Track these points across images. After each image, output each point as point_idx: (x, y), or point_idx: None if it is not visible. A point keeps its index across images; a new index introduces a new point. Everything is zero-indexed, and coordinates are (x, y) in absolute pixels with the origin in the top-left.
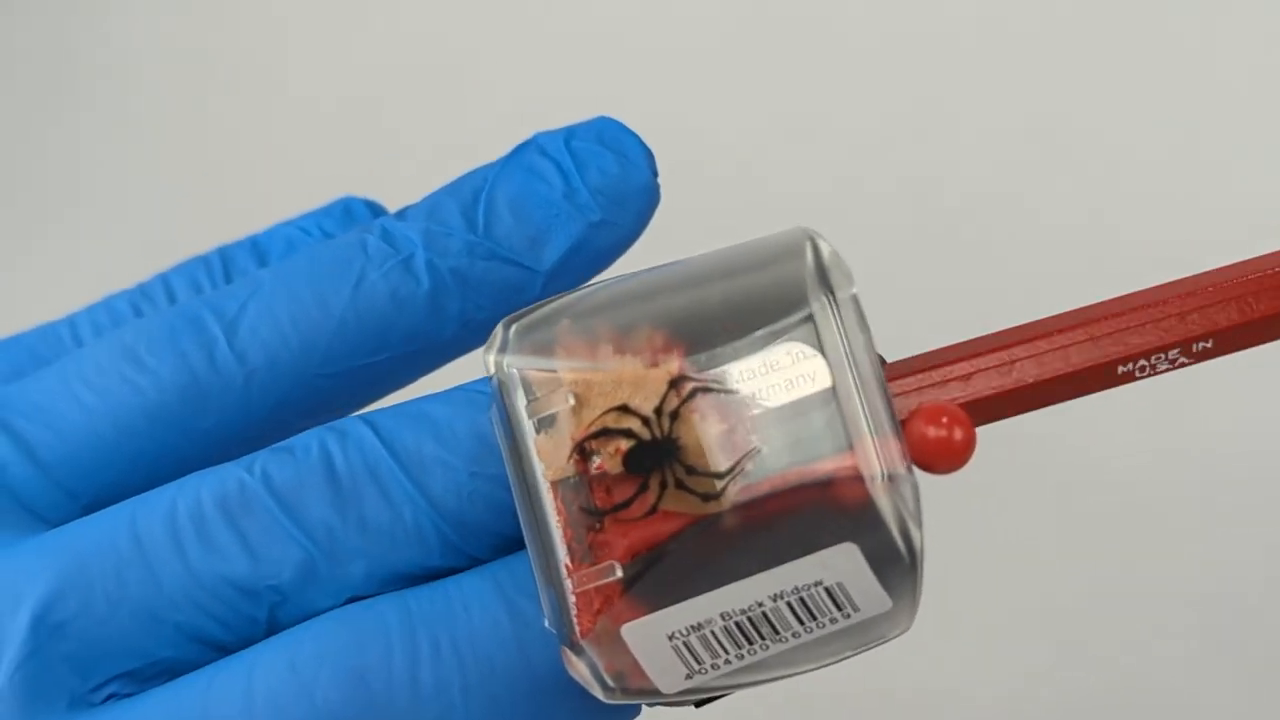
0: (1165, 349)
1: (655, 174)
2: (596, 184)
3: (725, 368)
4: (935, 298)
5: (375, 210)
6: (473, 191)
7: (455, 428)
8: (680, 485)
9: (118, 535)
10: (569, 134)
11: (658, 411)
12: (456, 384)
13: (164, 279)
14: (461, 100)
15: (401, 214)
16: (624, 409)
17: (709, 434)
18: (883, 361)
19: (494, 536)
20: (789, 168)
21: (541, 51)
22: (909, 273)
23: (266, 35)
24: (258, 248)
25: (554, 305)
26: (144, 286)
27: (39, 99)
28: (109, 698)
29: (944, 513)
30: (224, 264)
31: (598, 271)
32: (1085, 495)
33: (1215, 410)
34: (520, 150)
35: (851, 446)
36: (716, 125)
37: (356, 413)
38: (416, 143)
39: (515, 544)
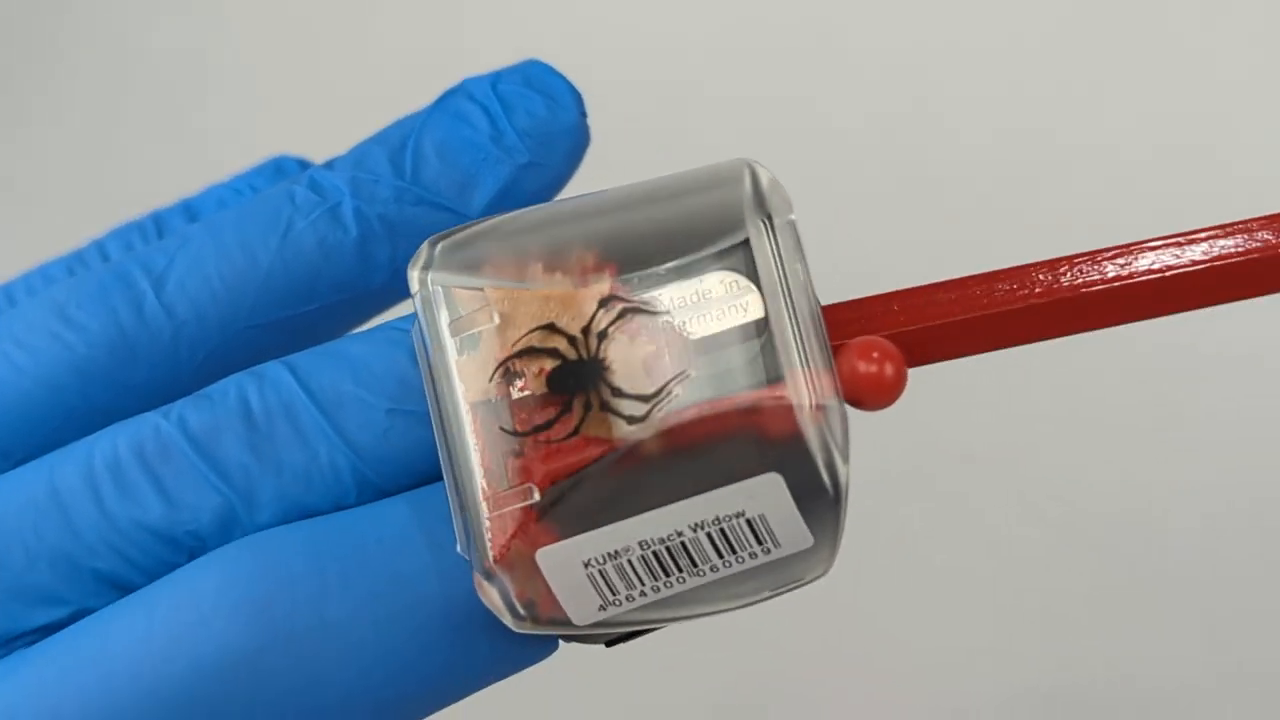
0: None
1: (584, 114)
2: (524, 126)
3: (657, 291)
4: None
5: (307, 167)
6: (400, 138)
7: (373, 365)
8: (605, 407)
9: (35, 488)
10: (496, 78)
11: (585, 331)
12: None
13: (99, 244)
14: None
15: (329, 164)
16: (551, 328)
17: (637, 355)
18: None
19: (412, 475)
20: (784, 163)
21: (539, 50)
22: (905, 267)
23: (265, 36)
24: (190, 210)
25: (484, 224)
26: (80, 252)
27: (32, 96)
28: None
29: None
30: (157, 227)
31: None
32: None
33: (1216, 411)
34: (448, 96)
35: (782, 376)
36: (712, 121)
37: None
38: None
39: (434, 481)
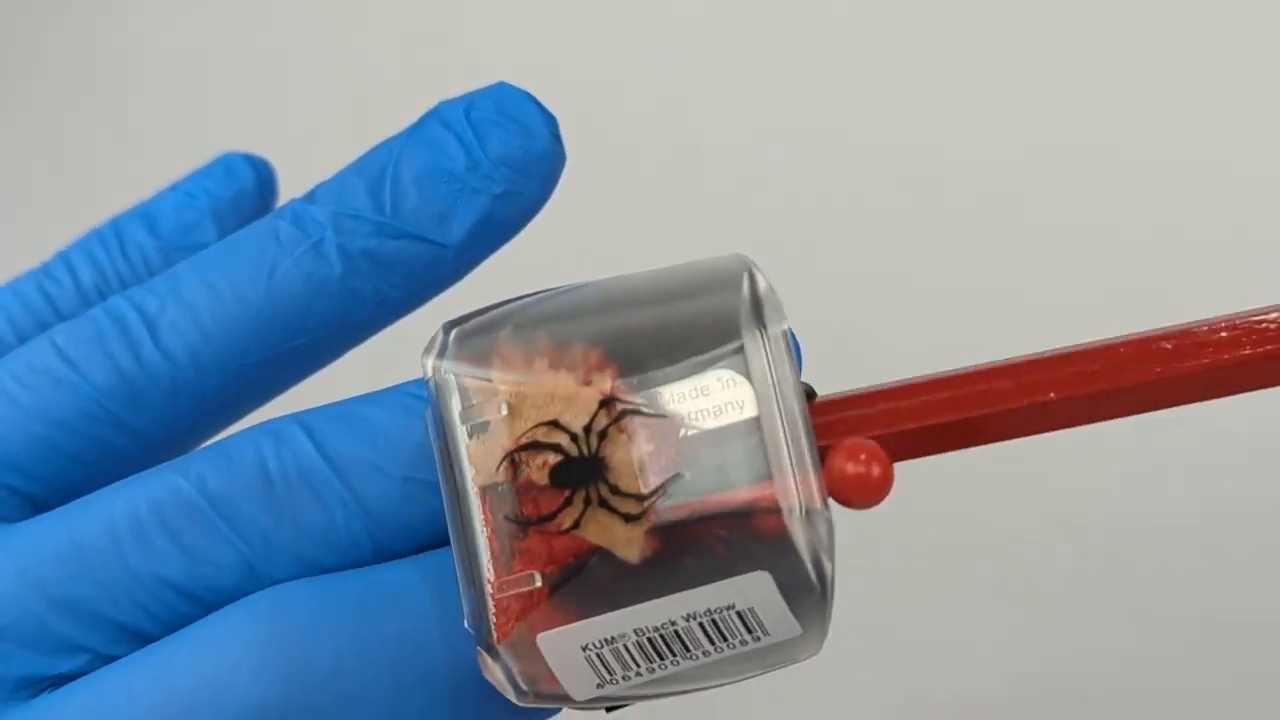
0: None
1: (557, 138)
2: (498, 155)
3: (655, 390)
4: (928, 306)
5: (256, 166)
6: (378, 168)
7: (390, 432)
8: (604, 504)
9: (58, 540)
10: (469, 104)
11: (587, 429)
12: (390, 383)
13: (65, 257)
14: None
15: (310, 196)
16: (554, 424)
17: (634, 455)
18: (811, 396)
19: (427, 539)
20: (785, 172)
21: (540, 52)
22: (904, 279)
23: (264, 34)
24: (148, 217)
25: (495, 313)
26: (47, 266)
27: (36, 97)
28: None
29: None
30: (119, 238)
31: (507, 240)
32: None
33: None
34: (423, 123)
35: (771, 478)
36: (715, 128)
37: (290, 413)
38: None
39: (447, 546)
